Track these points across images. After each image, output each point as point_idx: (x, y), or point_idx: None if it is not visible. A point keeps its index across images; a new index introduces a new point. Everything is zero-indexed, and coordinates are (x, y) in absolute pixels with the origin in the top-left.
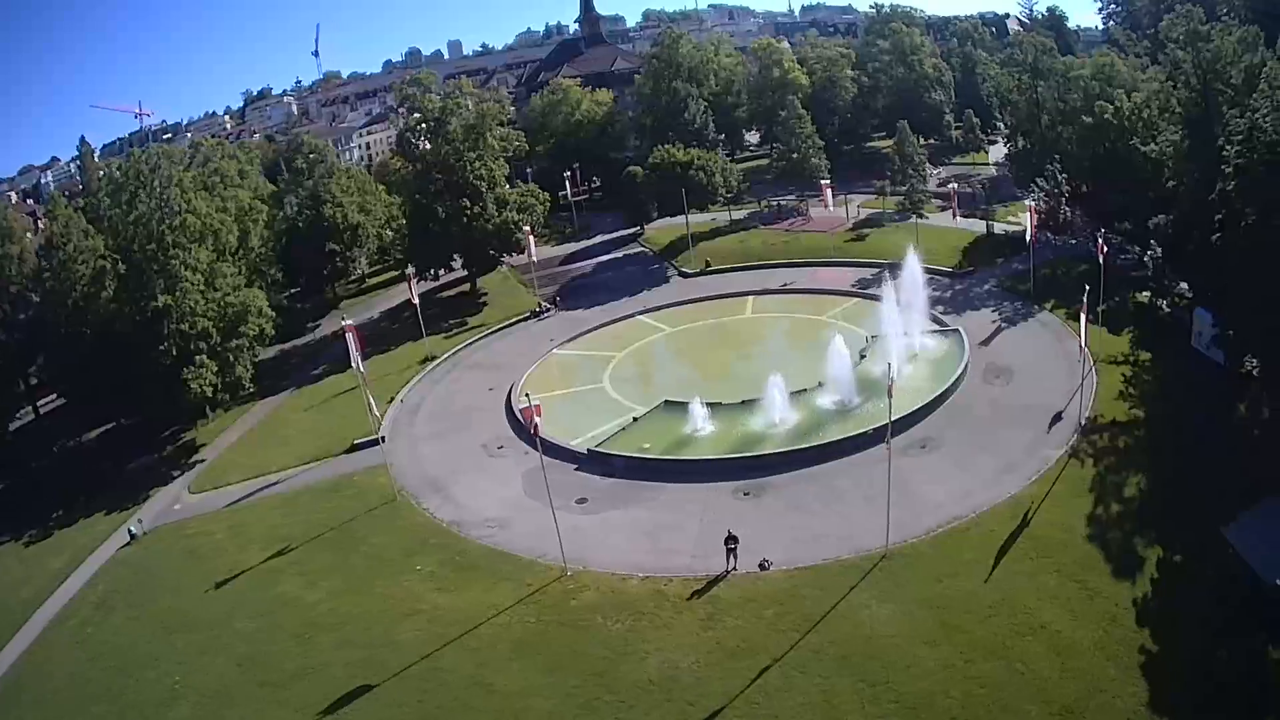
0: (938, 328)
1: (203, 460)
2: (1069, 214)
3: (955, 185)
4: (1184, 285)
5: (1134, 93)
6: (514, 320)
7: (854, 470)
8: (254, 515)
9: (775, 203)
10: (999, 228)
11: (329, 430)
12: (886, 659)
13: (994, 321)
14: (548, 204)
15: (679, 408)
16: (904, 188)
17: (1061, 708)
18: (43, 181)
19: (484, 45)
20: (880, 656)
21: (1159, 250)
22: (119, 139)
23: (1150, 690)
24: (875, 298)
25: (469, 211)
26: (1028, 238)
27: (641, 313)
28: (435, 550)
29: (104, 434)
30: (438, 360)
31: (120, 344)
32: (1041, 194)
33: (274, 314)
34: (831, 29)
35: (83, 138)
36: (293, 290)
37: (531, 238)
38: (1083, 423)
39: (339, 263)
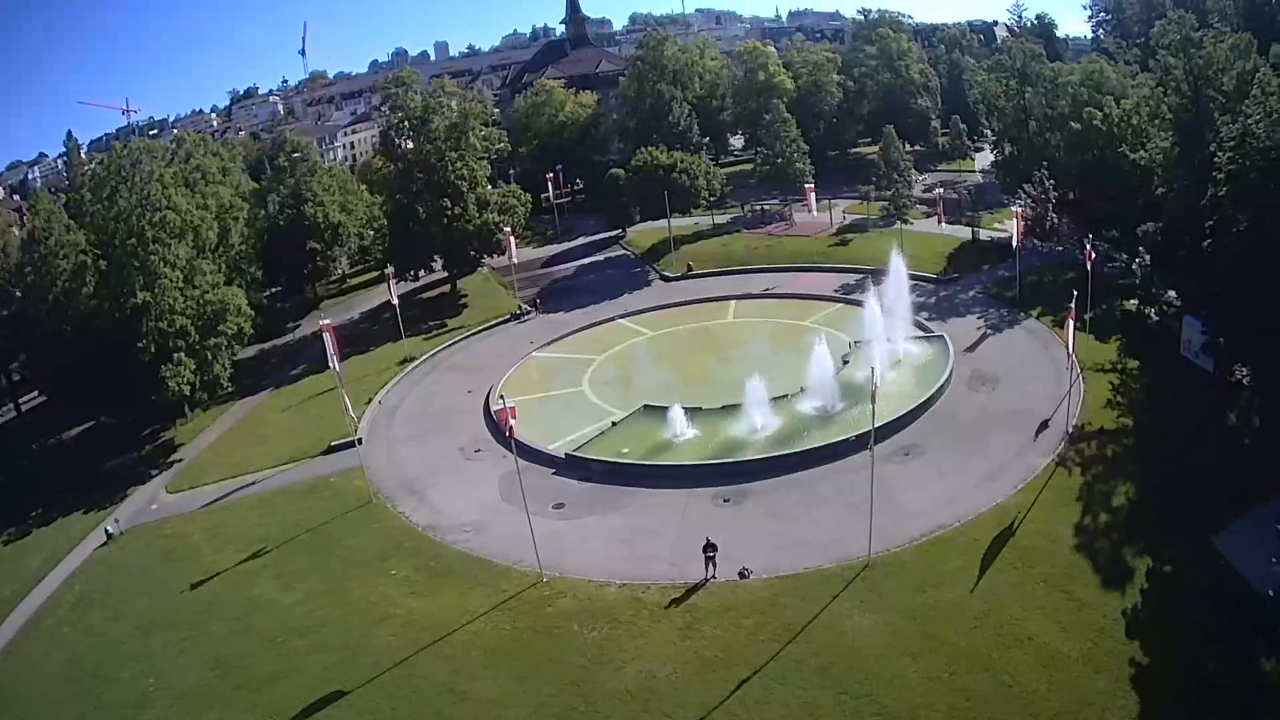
0: (922, 333)
1: (181, 460)
2: (1056, 221)
3: (941, 191)
4: (1172, 293)
5: (1123, 99)
6: (494, 322)
7: (836, 477)
8: (231, 516)
9: (759, 207)
10: (985, 234)
11: (307, 431)
12: (869, 671)
13: (979, 328)
14: (529, 205)
15: (659, 412)
16: (889, 193)
17: None
18: (30, 177)
19: (470, 47)
20: (862, 668)
21: (1147, 257)
22: (106, 135)
23: (1140, 703)
24: (859, 303)
25: (450, 212)
26: (1014, 244)
27: (622, 316)
28: (410, 554)
29: (84, 432)
30: (417, 361)
31: (100, 341)
32: (1028, 200)
33: (253, 313)
34: (819, 34)
35: (69, 133)
36: (273, 289)
37: (513, 239)
38: (1070, 430)
39: (319, 262)
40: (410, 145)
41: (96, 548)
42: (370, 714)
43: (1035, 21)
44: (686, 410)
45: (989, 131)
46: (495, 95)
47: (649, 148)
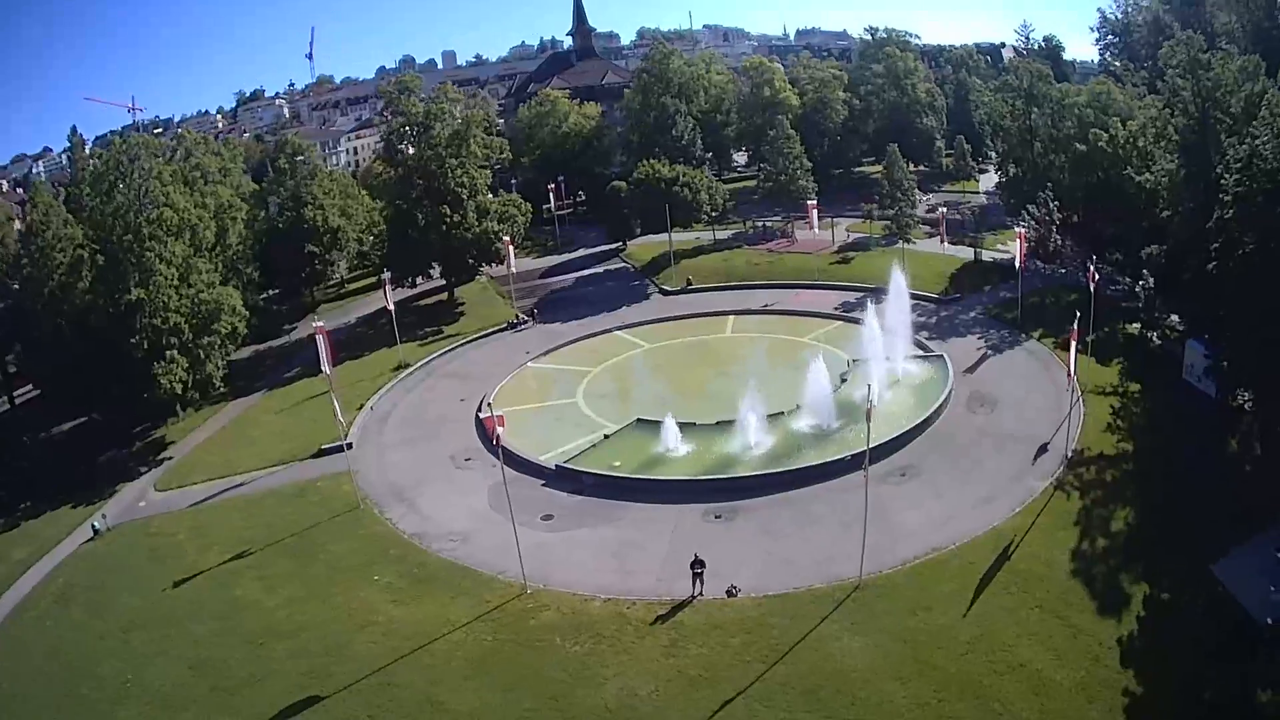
0: (921, 353)
1: (170, 458)
2: (1059, 242)
3: (944, 210)
4: (1175, 317)
5: (1129, 121)
6: (490, 331)
7: (830, 496)
8: (217, 516)
9: (760, 223)
10: (987, 255)
11: (298, 434)
12: (856, 694)
13: (979, 349)
14: (529, 215)
15: (652, 426)
16: (892, 212)
17: None
18: (34, 171)
19: (477, 56)
20: (850, 692)
21: (1151, 281)
22: (112, 132)
23: None
24: (858, 321)
25: (449, 219)
26: (1017, 265)
27: (620, 328)
28: (395, 561)
29: (76, 427)
30: (411, 368)
31: (94, 337)
32: (1032, 221)
33: (248, 314)
34: (826, 53)
35: (74, 128)
36: (271, 291)
37: (511, 248)
38: (1069, 454)
39: (318, 265)
40: (411, 151)
41: (83, 543)
42: None
43: (1043, 43)
44: (680, 425)
45: (994, 153)
46: (500, 105)
47: (651, 160)
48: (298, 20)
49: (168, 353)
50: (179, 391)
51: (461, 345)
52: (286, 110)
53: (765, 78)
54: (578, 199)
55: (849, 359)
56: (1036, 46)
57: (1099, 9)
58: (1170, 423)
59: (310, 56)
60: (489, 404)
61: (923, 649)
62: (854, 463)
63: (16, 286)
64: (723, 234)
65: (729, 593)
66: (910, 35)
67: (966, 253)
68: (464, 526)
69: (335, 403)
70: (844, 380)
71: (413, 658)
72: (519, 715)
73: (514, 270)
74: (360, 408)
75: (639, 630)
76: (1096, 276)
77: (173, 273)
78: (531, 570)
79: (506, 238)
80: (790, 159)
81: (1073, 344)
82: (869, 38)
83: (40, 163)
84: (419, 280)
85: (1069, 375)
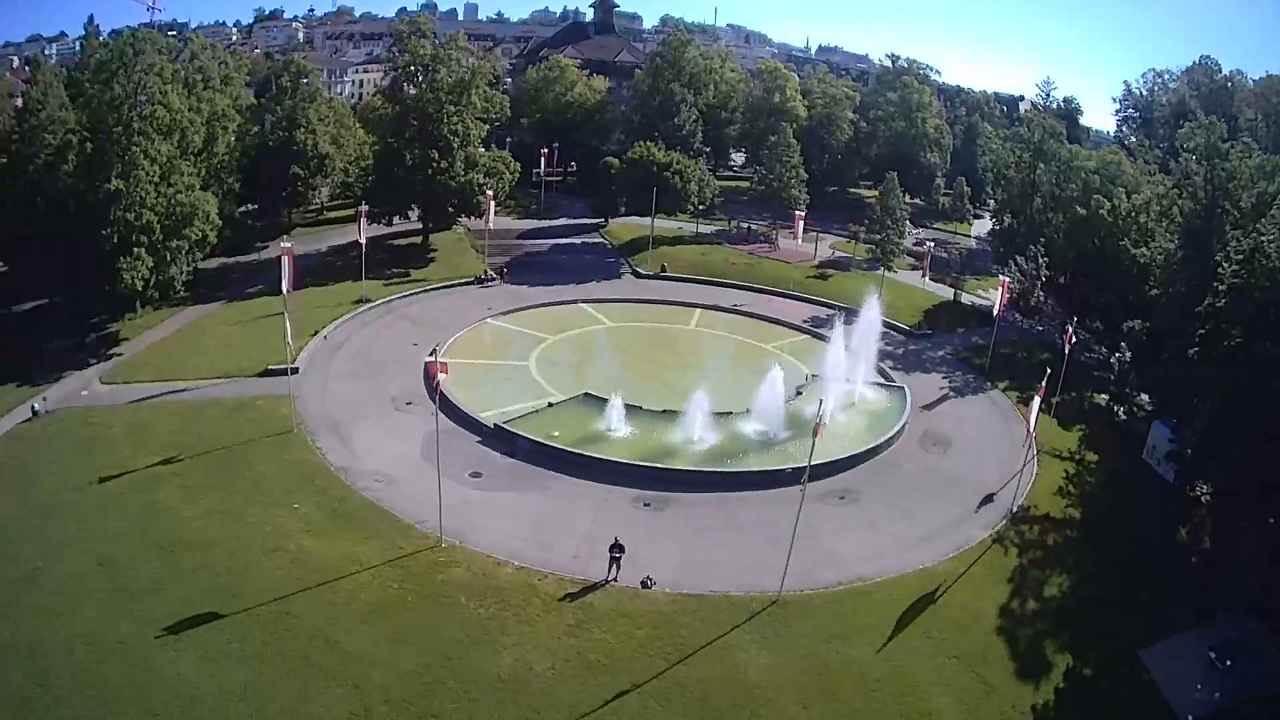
0: (883, 381)
1: (121, 354)
2: (1042, 299)
3: (931, 245)
4: (1145, 396)
5: (1134, 194)
6: (458, 282)
7: (764, 505)
8: (155, 416)
9: (745, 224)
10: (966, 298)
11: (248, 350)
12: (756, 710)
13: (943, 388)
14: (517, 175)
15: (598, 403)
16: (879, 237)
17: None
18: (46, 52)
19: (499, 14)
20: (749, 706)
21: (1128, 355)
22: (129, 27)
23: None
24: (824, 338)
25: (436, 164)
26: (995, 312)
27: (586, 301)
28: (317, 492)
29: (34, 309)
30: (372, 304)
31: (68, 221)
32: (1018, 273)
33: (221, 223)
34: (844, 72)
35: (91, 16)
36: (250, 206)
37: (492, 203)
38: (1014, 509)
39: (300, 188)
40: (413, 92)
41: (20, 422)
42: (239, 643)
43: (1062, 103)
44: (627, 406)
45: (992, 200)
46: (510, 64)
47: (648, 143)
48: None
49: (135, 250)
50: (139, 289)
51: (427, 291)
52: (301, 35)
53: (777, 83)
54: (569, 168)
55: (808, 373)
56: (1055, 105)
57: (1125, 80)
58: (1123, 499)
59: None
60: (434, 349)
61: (831, 677)
62: (794, 476)
63: (4, 160)
64: (706, 228)
65: (644, 583)
66: (930, 69)
67: (947, 292)
68: (391, 469)
69: (288, 325)
70: (799, 393)
71: (315, 592)
72: (408, 669)
73: (491, 226)
74: (314, 335)
75: (546, 604)
76: (1074, 339)
77: (155, 170)
78: (450, 525)
79: (490, 192)
80: (787, 167)
81: (1037, 400)
82: (889, 64)
83: (54, 45)
84: (396, 220)
85: (1028, 431)
